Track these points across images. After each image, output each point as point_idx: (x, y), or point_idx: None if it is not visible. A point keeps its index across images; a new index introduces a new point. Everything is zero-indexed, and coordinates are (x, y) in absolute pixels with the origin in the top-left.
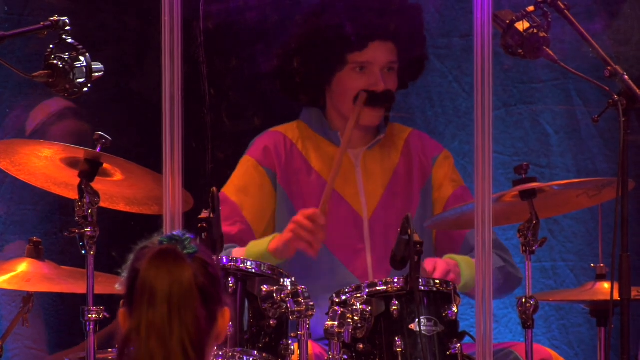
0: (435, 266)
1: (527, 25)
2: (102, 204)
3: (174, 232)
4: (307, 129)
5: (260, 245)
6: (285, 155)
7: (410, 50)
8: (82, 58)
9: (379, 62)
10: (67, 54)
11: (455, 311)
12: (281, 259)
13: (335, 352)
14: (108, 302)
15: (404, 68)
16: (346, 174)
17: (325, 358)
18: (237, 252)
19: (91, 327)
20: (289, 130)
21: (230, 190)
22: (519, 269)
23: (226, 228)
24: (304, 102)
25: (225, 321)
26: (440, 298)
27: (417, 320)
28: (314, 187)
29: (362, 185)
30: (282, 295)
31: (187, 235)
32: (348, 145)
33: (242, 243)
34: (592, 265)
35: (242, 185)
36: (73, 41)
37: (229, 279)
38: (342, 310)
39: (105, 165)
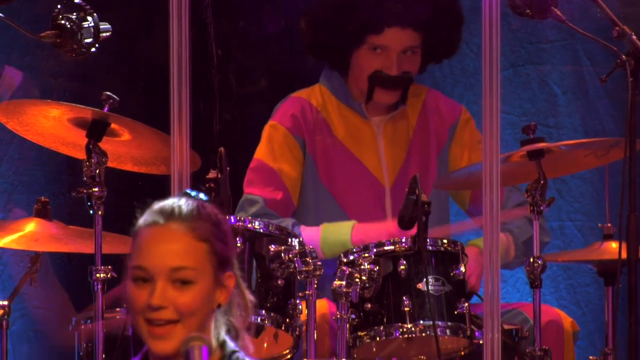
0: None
1: None
2: (109, 164)
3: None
4: (330, 95)
5: (340, 234)
6: (312, 123)
7: (437, 36)
8: (89, 18)
9: (396, 47)
10: (74, 14)
11: (463, 271)
12: None
13: (343, 312)
14: (116, 262)
15: (430, 49)
16: (368, 142)
17: (334, 317)
18: (309, 232)
19: (99, 286)
20: (312, 96)
21: (267, 157)
22: (549, 232)
23: (270, 194)
24: (327, 65)
25: (230, 287)
26: (447, 258)
27: (424, 280)
28: (337, 156)
29: (384, 154)
30: (290, 255)
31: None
32: None
33: (285, 209)
34: (600, 225)
35: (278, 152)
36: (80, 1)
37: (237, 239)
38: (350, 270)
39: (113, 126)
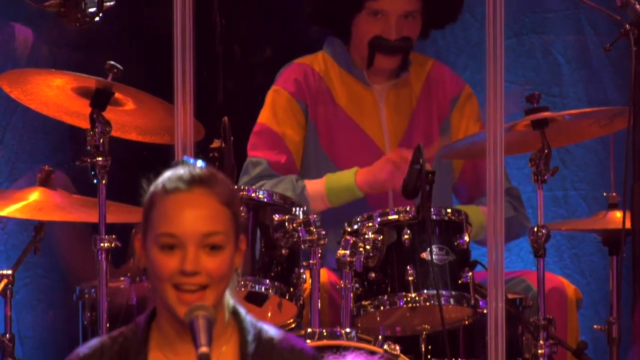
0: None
1: None
2: (113, 134)
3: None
4: (332, 63)
5: (344, 179)
6: (315, 89)
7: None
8: None
9: (395, 11)
10: None
11: (467, 240)
12: (366, 193)
13: (347, 281)
14: (120, 231)
15: (431, 14)
16: (370, 110)
17: (337, 287)
18: (313, 185)
19: (103, 255)
20: (315, 62)
21: (271, 120)
22: (530, 220)
23: (274, 157)
24: (330, 32)
25: (243, 250)
26: (451, 227)
27: (428, 249)
28: (339, 123)
29: (386, 121)
30: (294, 225)
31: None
32: None
33: (288, 173)
34: (605, 194)
35: (281, 116)
36: None
37: (241, 208)
38: (354, 239)
39: (116, 95)
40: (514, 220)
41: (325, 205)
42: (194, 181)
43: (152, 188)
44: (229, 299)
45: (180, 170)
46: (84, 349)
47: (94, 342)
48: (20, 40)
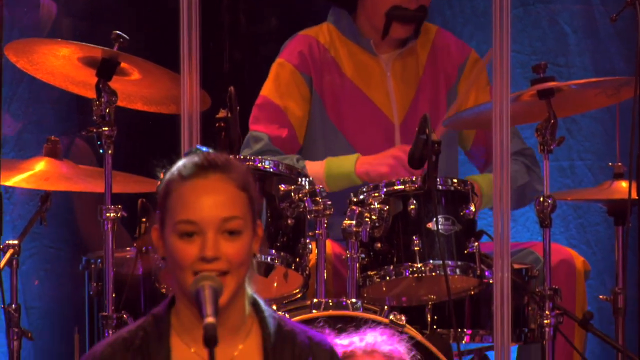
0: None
1: None
2: (119, 103)
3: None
4: (338, 33)
5: (344, 166)
6: (320, 61)
7: None
8: None
9: None
10: None
11: (473, 210)
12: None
13: (353, 251)
14: (126, 200)
15: None
16: (377, 80)
17: (343, 257)
18: (313, 166)
19: (109, 225)
20: (320, 34)
21: (273, 93)
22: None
23: (275, 131)
24: (335, 3)
25: (260, 235)
26: (458, 197)
27: (434, 219)
28: (346, 94)
29: (393, 91)
30: (300, 195)
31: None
32: None
33: (289, 147)
34: (610, 164)
35: (284, 89)
36: None
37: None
38: (359, 209)
39: (122, 65)
40: (528, 187)
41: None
42: (210, 167)
43: (167, 176)
44: (248, 289)
45: (195, 157)
46: (103, 347)
47: (113, 339)
48: (45, 11)
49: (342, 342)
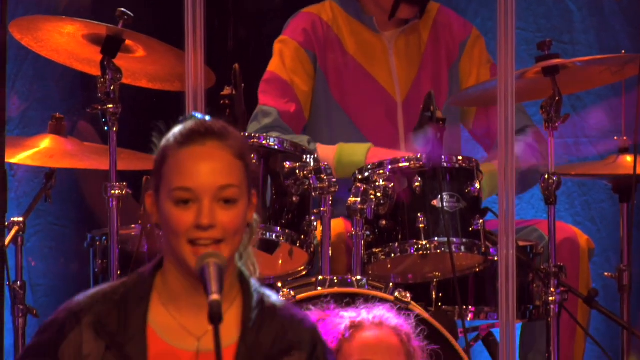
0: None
1: None
2: (124, 81)
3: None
4: (341, 11)
5: (355, 156)
6: (323, 38)
7: None
8: None
9: None
10: None
11: (478, 187)
12: None
13: (358, 229)
14: (130, 178)
15: None
16: (379, 57)
17: (349, 234)
18: (324, 150)
19: (114, 203)
20: (323, 11)
21: (280, 69)
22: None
23: (283, 106)
24: None
25: (254, 205)
26: (462, 174)
27: (439, 196)
28: (349, 71)
29: (396, 68)
30: (305, 172)
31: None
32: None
33: (297, 123)
34: (615, 137)
35: (290, 65)
36: None
37: (252, 155)
38: (364, 186)
39: (127, 42)
40: (533, 169)
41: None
42: (207, 134)
43: (163, 142)
44: (237, 260)
45: (192, 124)
46: (83, 298)
47: (94, 291)
48: None
49: (349, 314)
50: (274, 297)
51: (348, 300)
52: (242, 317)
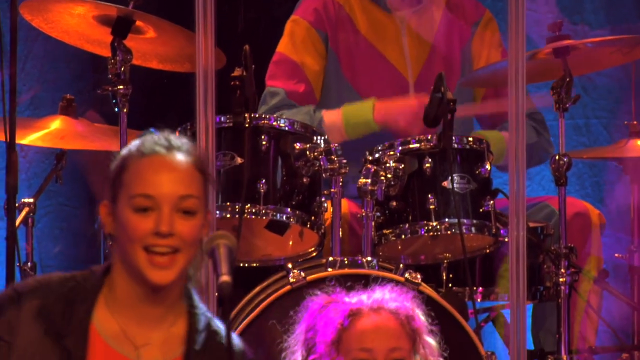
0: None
1: None
2: (134, 62)
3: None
4: None
5: (362, 115)
6: (335, 18)
7: None
8: None
9: None
10: None
11: (488, 169)
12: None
13: (368, 210)
14: None
15: None
16: (391, 37)
17: (358, 215)
18: (330, 115)
19: None
20: None
21: (289, 49)
22: (553, 145)
23: (292, 86)
24: None
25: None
26: (473, 156)
27: (449, 177)
28: (361, 51)
29: (408, 48)
30: (315, 153)
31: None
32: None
33: (306, 102)
34: (625, 122)
35: (300, 45)
36: None
37: (262, 137)
38: (375, 168)
39: (137, 23)
40: (536, 146)
41: (342, 138)
42: (170, 146)
43: (123, 153)
44: (188, 279)
45: (155, 137)
46: (32, 280)
47: (44, 278)
48: None
49: (350, 300)
50: (219, 323)
51: (350, 284)
52: (187, 336)
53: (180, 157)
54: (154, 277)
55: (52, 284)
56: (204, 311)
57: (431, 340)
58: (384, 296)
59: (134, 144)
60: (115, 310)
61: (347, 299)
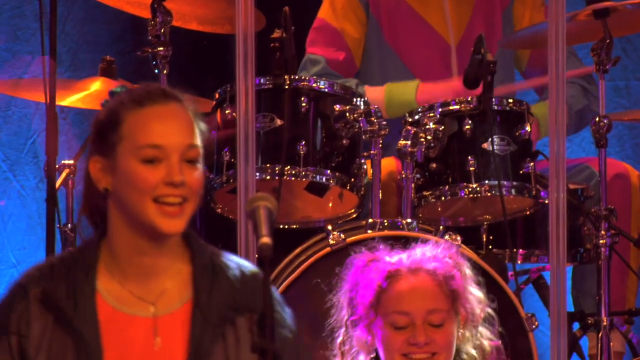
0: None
1: None
2: (174, 23)
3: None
4: None
5: (405, 94)
6: None
7: None
8: None
9: None
10: None
11: (529, 130)
12: None
13: (408, 171)
14: None
15: None
16: (433, 1)
17: (398, 177)
18: (372, 92)
19: None
20: None
21: (330, 16)
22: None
23: (332, 54)
24: None
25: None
26: (513, 117)
27: (489, 139)
28: (403, 15)
29: (449, 12)
30: (355, 115)
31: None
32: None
33: (347, 70)
34: None
35: (340, 12)
36: None
37: (302, 98)
38: (414, 129)
39: None
40: (585, 111)
41: (383, 116)
42: (165, 95)
43: (110, 106)
44: None
45: (144, 87)
46: (32, 269)
47: (45, 264)
48: None
49: (391, 260)
50: (223, 255)
51: (392, 242)
52: (193, 277)
53: (178, 105)
54: (165, 226)
55: (52, 268)
56: (205, 246)
57: (477, 292)
58: (424, 256)
59: (119, 97)
60: (117, 272)
61: (387, 258)
